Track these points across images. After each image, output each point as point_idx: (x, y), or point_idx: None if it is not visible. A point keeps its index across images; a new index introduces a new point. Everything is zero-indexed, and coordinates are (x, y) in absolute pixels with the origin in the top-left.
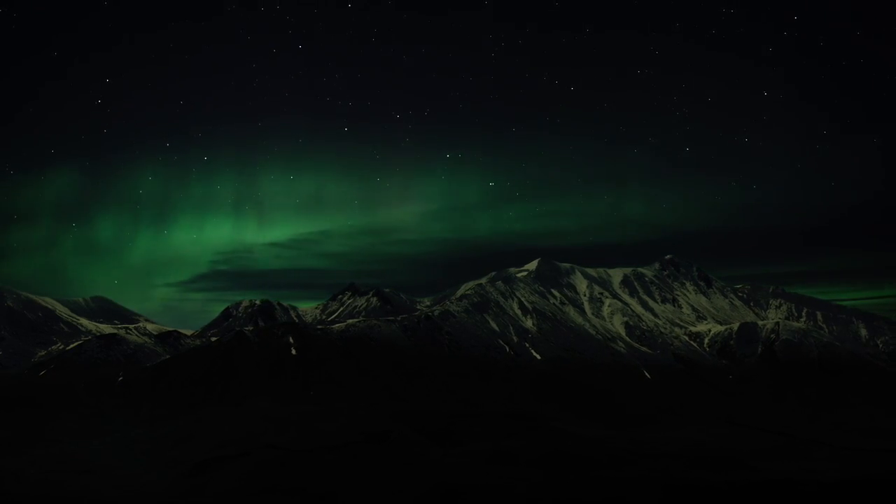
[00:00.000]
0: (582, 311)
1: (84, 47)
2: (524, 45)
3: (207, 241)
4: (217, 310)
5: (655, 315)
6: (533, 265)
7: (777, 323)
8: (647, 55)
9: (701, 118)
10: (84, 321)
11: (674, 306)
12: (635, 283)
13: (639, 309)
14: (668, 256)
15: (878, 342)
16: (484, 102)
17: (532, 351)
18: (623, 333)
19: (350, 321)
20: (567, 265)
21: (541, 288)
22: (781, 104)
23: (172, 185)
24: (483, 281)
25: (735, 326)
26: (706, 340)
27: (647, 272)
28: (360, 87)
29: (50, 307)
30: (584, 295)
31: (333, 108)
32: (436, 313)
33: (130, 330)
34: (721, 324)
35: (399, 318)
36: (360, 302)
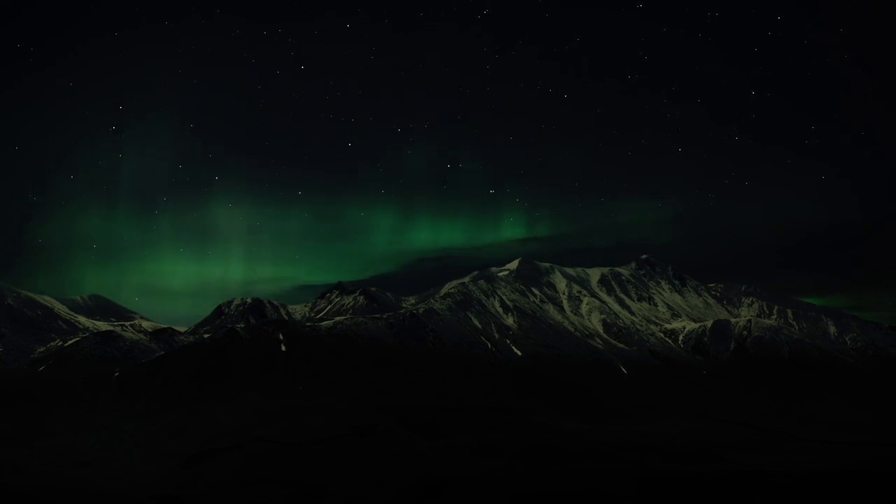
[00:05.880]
0: (561, 309)
1: (96, 75)
2: (518, 56)
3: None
4: None
5: (632, 313)
6: (514, 265)
7: (749, 320)
8: (637, 60)
9: (691, 119)
10: (82, 319)
11: (650, 304)
12: (612, 283)
13: (616, 307)
14: (644, 256)
15: (847, 339)
16: (481, 112)
17: (513, 347)
18: (601, 330)
19: (338, 319)
20: (547, 265)
21: (521, 287)
22: (770, 103)
23: (185, 206)
24: (466, 280)
25: (709, 324)
26: (681, 337)
27: (624, 272)
28: (362, 102)
29: (49, 305)
30: (564, 293)
31: (336, 124)
32: (420, 311)
33: (126, 327)
34: (695, 321)
35: (385, 316)
36: (348, 300)
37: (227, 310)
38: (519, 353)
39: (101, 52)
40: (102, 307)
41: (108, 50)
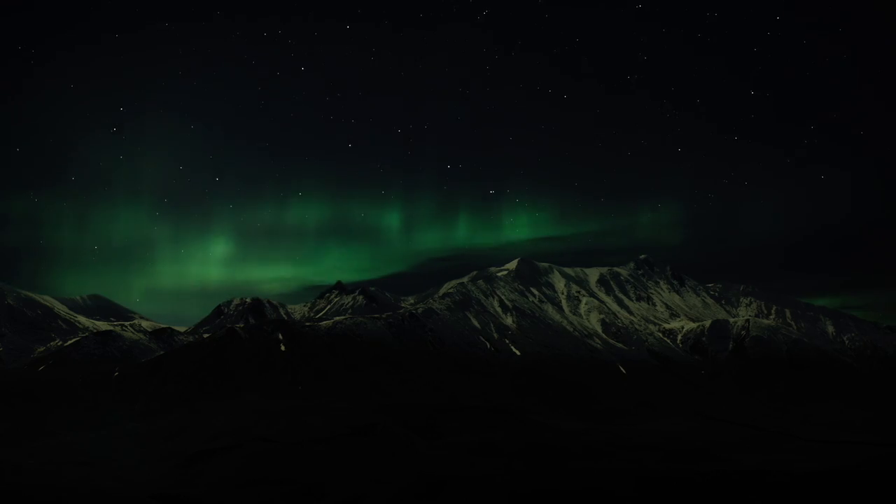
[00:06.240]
0: (560, 309)
1: (97, 77)
2: (517, 58)
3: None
4: None
5: (630, 312)
6: (513, 265)
7: (747, 320)
8: (636, 60)
9: (691, 119)
10: (81, 318)
11: (648, 304)
12: (611, 282)
13: (614, 307)
14: (642, 256)
15: (845, 339)
16: (481, 113)
17: (512, 347)
18: (599, 330)
19: (337, 318)
20: (545, 265)
21: (520, 287)
22: (769, 103)
23: (186, 208)
24: (465, 280)
25: (707, 323)
26: (679, 337)
27: (623, 271)
28: (362, 103)
29: (48, 305)
30: (562, 293)
31: (336, 126)
32: (419, 311)
33: (126, 327)
34: (693, 321)
35: (384, 316)
36: (347, 300)
37: (226, 309)
38: (518, 353)
39: (102, 53)
40: (102, 307)
41: (109, 52)
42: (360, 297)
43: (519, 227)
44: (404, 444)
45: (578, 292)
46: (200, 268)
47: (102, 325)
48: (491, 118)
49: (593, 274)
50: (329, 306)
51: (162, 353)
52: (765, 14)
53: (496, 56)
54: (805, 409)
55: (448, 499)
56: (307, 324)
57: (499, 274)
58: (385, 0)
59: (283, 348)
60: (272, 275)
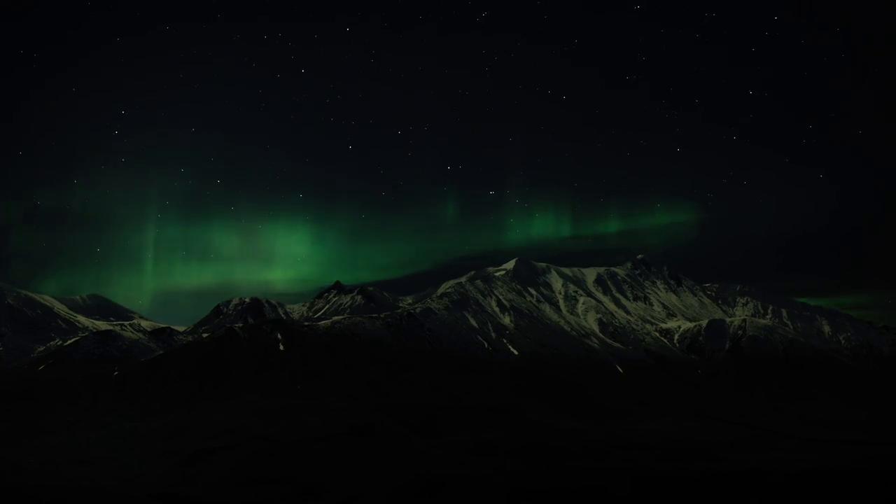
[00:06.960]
0: (557, 309)
1: (98, 80)
2: (516, 58)
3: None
4: None
5: (628, 312)
6: (510, 265)
7: (744, 320)
8: (635, 61)
9: (690, 119)
10: (81, 318)
11: (645, 304)
12: (608, 282)
13: (612, 306)
14: (639, 256)
15: (841, 338)
16: (481, 114)
17: (510, 346)
18: (597, 330)
19: (335, 318)
20: (543, 265)
21: (518, 286)
22: (767, 103)
23: (187, 210)
24: (463, 280)
25: (704, 323)
26: (676, 336)
27: (620, 271)
28: (362, 105)
29: (48, 304)
30: (560, 293)
31: (337, 127)
32: (418, 311)
33: (125, 326)
34: (690, 321)
35: (382, 316)
36: (346, 300)
37: (225, 309)
38: (515, 353)
39: (104, 57)
40: (102, 307)
41: (111, 55)
42: (359, 296)
43: (518, 227)
44: (402, 444)
45: (576, 292)
46: (200, 268)
47: (102, 325)
48: (491, 118)
49: (590, 274)
50: (328, 306)
51: (161, 352)
52: (763, 14)
53: (495, 57)
54: (801, 408)
55: (446, 498)
56: (306, 323)
57: (496, 274)
58: (385, 2)
59: (281, 348)
60: (272, 275)
